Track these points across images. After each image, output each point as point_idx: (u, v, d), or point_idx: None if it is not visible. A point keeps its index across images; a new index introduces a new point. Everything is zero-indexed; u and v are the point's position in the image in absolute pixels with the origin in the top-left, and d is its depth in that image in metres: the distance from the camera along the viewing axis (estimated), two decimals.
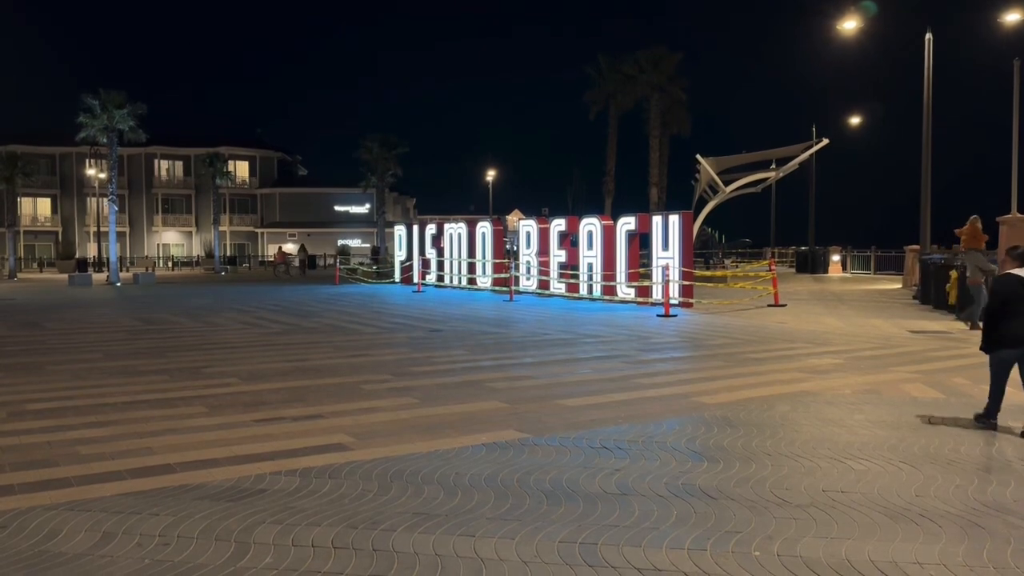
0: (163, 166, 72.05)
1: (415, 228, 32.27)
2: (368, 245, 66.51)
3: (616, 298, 22.35)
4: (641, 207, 43.24)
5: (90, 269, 50.57)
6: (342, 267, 39.59)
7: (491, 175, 72.80)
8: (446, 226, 30.38)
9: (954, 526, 4.79)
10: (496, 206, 73.65)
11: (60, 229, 69.76)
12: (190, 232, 72.60)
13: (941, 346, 12.83)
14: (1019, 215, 21.54)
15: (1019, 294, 6.85)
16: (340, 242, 69.28)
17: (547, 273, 25.02)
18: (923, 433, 7.11)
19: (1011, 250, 7.13)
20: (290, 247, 57.84)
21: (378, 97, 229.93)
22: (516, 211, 77.30)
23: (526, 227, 26.41)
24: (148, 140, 44.36)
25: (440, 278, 30.30)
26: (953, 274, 17.70)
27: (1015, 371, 7.02)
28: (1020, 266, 7.00)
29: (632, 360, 11.69)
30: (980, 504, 5.19)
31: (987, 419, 7.16)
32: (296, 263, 46.72)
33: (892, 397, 8.76)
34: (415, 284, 29.58)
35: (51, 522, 4.89)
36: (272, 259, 56.54)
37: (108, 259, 40.49)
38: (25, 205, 66.35)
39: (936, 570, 4.15)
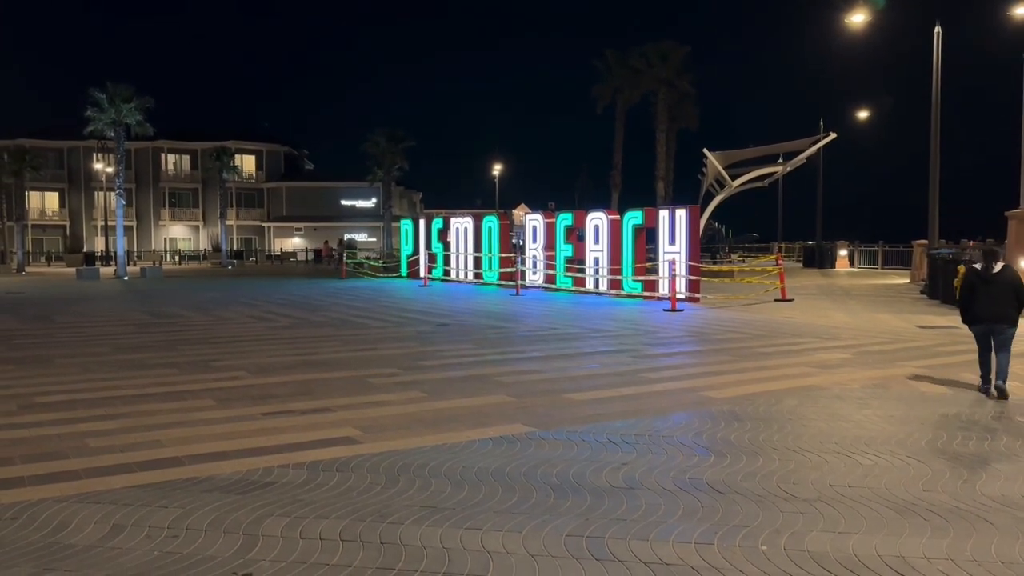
0: (170, 160, 72.19)
1: (421, 222, 32.30)
2: (375, 239, 66.62)
3: (622, 292, 22.34)
4: (648, 201, 43.17)
5: (98, 263, 50.78)
6: (348, 261, 39.64)
7: (497, 169, 72.80)
8: (452, 220, 30.40)
9: (962, 521, 4.78)
10: (502, 200, 73.64)
11: (68, 223, 70.02)
12: (197, 226, 72.78)
13: (949, 341, 12.80)
14: None
15: (976, 283, 8.53)
16: (346, 236, 69.33)
17: (553, 267, 25.02)
18: (931, 427, 7.10)
19: (984, 246, 8.63)
20: (316, 241, 61.38)
21: (385, 91, 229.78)
22: (522, 205, 77.20)
23: (532, 221, 26.42)
24: (155, 134, 44.42)
25: (446, 272, 30.33)
26: (961, 269, 17.62)
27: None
28: (983, 260, 8.60)
29: (639, 354, 11.69)
30: (989, 499, 5.18)
31: (982, 383, 8.64)
32: (336, 256, 47.62)
33: (900, 392, 8.74)
34: (421, 278, 29.62)
35: (61, 514, 4.92)
36: (288, 252, 58.72)
37: (116, 253, 40.62)
38: (33, 199, 66.53)
39: (944, 565, 4.15)
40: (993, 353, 8.48)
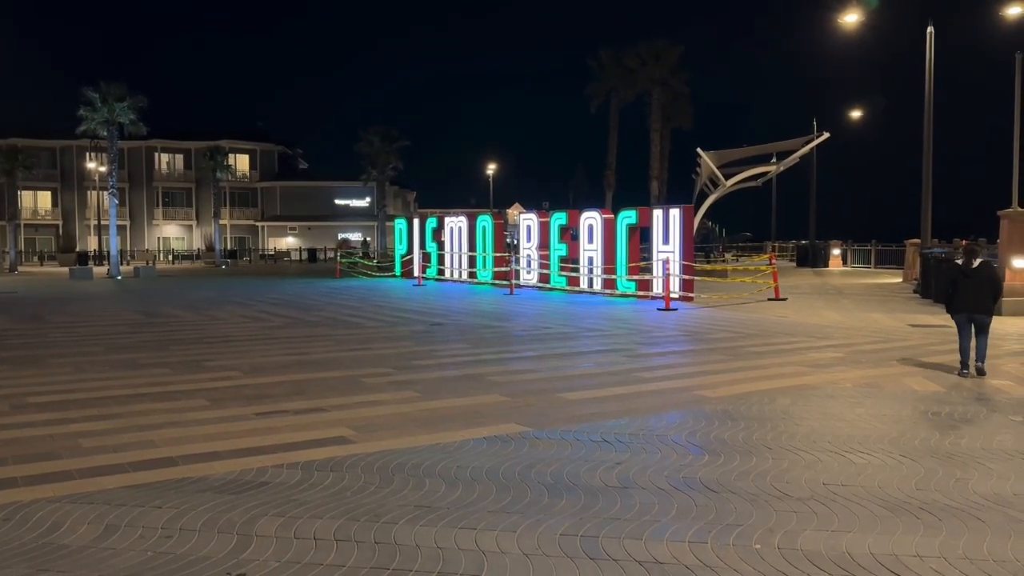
0: (163, 159, 71.93)
1: (416, 221, 32.27)
2: (368, 239, 66.70)
3: (617, 292, 22.35)
4: (642, 200, 43.19)
5: (91, 262, 50.60)
6: (342, 260, 39.59)
7: (492, 168, 72.75)
8: (447, 219, 30.37)
9: (954, 519, 4.80)
10: (497, 199, 73.66)
11: (61, 222, 69.71)
12: (190, 225, 72.56)
13: (941, 340, 12.84)
14: (1020, 209, 21.50)
15: (957, 277, 9.63)
16: (340, 235, 69.30)
17: (547, 267, 25.02)
18: (923, 427, 7.13)
19: (965, 244, 9.73)
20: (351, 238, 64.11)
21: (380, 91, 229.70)
22: (517, 204, 77.22)
23: (527, 220, 26.40)
24: (148, 133, 44.25)
25: (441, 272, 30.30)
26: None
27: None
28: (964, 257, 9.64)
29: (633, 354, 11.70)
30: (980, 497, 5.20)
31: (961, 368, 9.67)
32: (360, 254, 48.12)
33: (893, 391, 8.77)
34: (416, 278, 29.59)
35: (54, 515, 4.91)
36: (282, 251, 61.66)
37: (109, 252, 40.47)
38: (26, 198, 66.27)
39: (936, 563, 4.17)
40: (973, 339, 9.64)
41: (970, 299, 9.57)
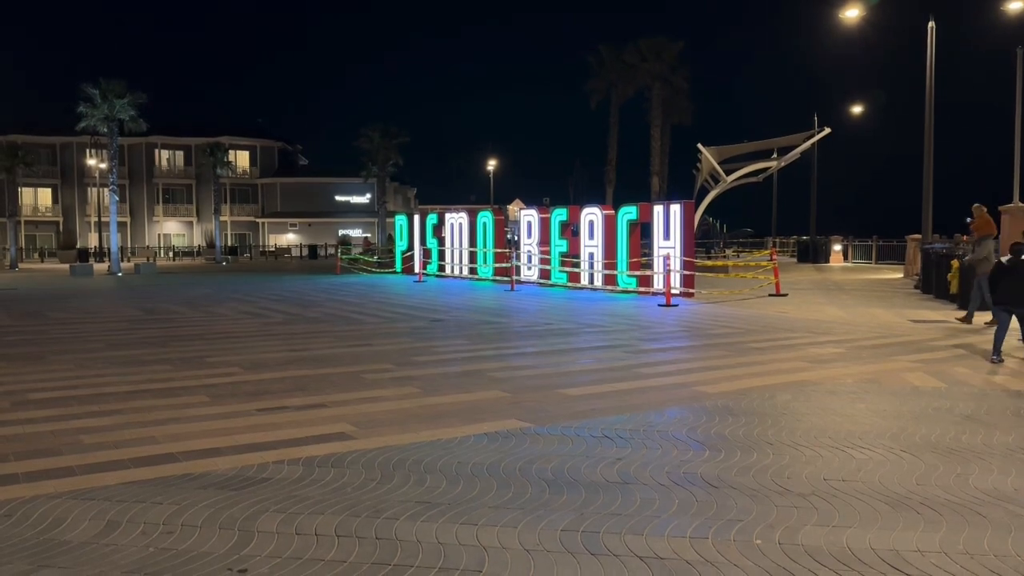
0: (164, 156, 71.98)
1: (416, 218, 32.26)
2: (368, 235, 66.79)
3: (617, 288, 22.35)
4: (643, 196, 43.23)
5: (91, 259, 50.65)
6: (343, 257, 39.58)
7: (492, 165, 72.70)
8: (447, 216, 30.35)
9: (955, 515, 4.80)
10: (497, 196, 73.49)
11: (61, 219, 69.78)
12: (191, 222, 72.62)
13: (942, 335, 12.83)
14: (1020, 204, 21.52)
15: (1001, 272, 10.30)
16: (341, 232, 69.36)
17: (548, 263, 25.02)
18: (924, 422, 7.13)
19: (1012, 245, 10.27)
20: (368, 236, 65.85)
21: (379, 87, 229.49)
22: (517, 201, 77.01)
23: (527, 217, 26.39)
24: (149, 130, 44.28)
25: (441, 268, 30.30)
26: (955, 263, 17.69)
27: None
28: (1011, 256, 10.18)
29: (633, 350, 11.70)
30: (981, 493, 5.21)
31: (993, 355, 10.27)
32: (374, 250, 48.65)
33: (893, 386, 8.77)
34: (416, 274, 29.59)
35: (55, 511, 4.91)
36: (282, 247, 62.79)
37: (109, 249, 40.50)
38: (26, 195, 66.38)
39: (937, 558, 4.17)
40: (1013, 325, 10.29)
41: (1010, 292, 10.14)
